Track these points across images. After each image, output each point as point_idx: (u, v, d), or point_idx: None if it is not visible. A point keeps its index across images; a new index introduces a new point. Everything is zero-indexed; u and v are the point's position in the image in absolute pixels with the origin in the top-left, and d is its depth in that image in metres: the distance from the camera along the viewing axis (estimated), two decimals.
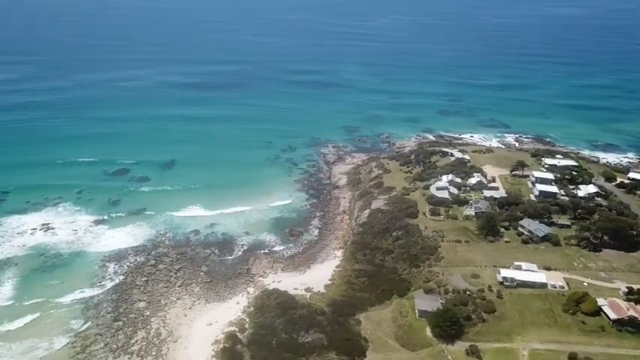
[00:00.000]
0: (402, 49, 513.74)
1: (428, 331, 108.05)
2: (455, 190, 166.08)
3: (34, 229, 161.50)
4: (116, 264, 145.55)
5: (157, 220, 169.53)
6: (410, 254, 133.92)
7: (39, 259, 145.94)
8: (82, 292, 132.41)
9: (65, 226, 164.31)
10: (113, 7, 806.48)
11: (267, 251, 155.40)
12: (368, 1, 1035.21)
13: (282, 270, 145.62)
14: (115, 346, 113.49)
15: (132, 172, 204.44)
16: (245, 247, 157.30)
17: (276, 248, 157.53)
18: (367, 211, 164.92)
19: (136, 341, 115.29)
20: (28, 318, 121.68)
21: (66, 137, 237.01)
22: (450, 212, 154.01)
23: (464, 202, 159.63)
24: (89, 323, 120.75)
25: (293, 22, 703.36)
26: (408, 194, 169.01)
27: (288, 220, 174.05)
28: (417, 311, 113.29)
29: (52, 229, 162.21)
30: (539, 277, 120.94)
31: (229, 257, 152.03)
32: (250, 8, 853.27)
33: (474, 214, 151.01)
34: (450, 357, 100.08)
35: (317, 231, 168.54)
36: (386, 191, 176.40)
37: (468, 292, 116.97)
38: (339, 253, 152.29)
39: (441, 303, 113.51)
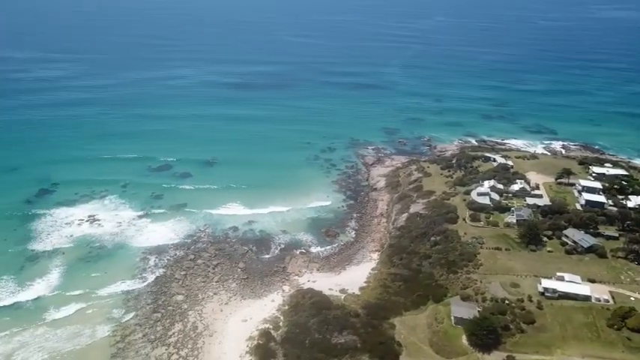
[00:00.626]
0: (447, 52, 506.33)
1: (464, 339, 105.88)
2: (496, 197, 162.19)
3: (82, 220, 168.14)
4: (157, 257, 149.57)
5: (197, 216, 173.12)
6: (448, 260, 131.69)
7: (85, 250, 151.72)
8: (123, 283, 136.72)
9: (110, 218, 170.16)
10: (157, 7, 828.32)
11: (303, 250, 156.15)
12: (414, 3, 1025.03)
13: (318, 270, 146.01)
14: (153, 337, 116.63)
15: (174, 169, 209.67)
16: (282, 246, 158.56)
17: (312, 248, 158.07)
18: (405, 215, 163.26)
19: (173, 333, 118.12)
20: (73, 306, 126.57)
21: (112, 134, 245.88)
22: (491, 219, 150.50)
23: (505, 209, 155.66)
24: (129, 314, 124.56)
25: (336, 23, 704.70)
26: (448, 199, 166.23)
27: (325, 221, 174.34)
28: (452, 318, 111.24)
29: (98, 220, 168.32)
30: (583, 289, 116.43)
31: (266, 255, 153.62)
32: (294, 9, 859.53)
33: (515, 221, 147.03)
34: None
35: (353, 233, 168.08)
36: (425, 195, 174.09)
37: (506, 302, 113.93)
38: (375, 255, 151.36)
39: (478, 311, 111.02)
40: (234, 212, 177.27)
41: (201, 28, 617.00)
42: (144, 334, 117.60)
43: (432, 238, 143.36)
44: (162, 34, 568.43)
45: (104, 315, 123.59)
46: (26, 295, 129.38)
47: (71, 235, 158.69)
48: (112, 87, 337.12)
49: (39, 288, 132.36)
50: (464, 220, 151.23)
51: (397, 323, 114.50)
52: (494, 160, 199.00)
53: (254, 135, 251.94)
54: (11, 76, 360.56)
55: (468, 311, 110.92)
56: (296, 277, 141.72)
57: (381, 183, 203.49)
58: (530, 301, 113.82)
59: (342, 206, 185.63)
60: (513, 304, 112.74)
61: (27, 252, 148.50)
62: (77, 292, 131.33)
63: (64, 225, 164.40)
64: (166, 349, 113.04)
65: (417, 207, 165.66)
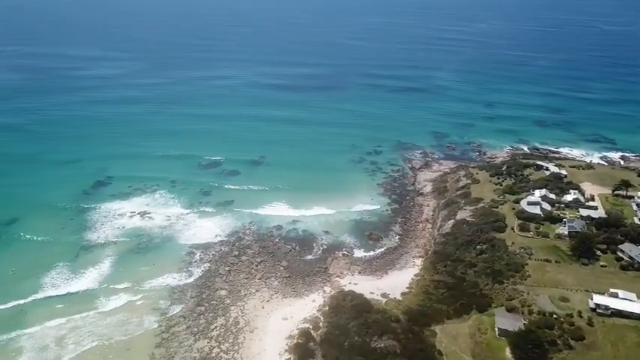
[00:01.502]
0: (500, 57, 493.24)
1: (507, 352, 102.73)
2: (548, 207, 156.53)
3: (133, 212, 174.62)
4: (202, 252, 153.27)
5: (242, 213, 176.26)
6: (494, 269, 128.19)
7: (134, 241, 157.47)
8: (170, 275, 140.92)
9: (160, 212, 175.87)
10: (207, 9, 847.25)
11: (345, 252, 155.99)
12: (468, 6, 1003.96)
13: (360, 273, 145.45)
14: (195, 330, 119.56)
15: (222, 167, 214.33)
16: (324, 247, 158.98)
17: (355, 250, 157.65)
18: (451, 221, 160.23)
19: (215, 327, 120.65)
20: (122, 295, 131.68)
21: (163, 131, 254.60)
22: (541, 229, 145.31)
23: (557, 220, 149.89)
24: (174, 306, 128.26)
25: (387, 26, 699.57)
26: (497, 207, 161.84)
27: (368, 224, 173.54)
28: (496, 329, 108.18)
29: (148, 214, 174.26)
30: (639, 307, 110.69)
31: (309, 255, 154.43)
32: (344, 11, 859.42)
33: (567, 233, 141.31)
34: None
35: (397, 237, 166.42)
36: (473, 202, 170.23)
37: (554, 316, 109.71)
38: (418, 261, 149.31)
39: (524, 324, 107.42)
40: (278, 211, 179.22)
41: (251, 30, 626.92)
42: (187, 326, 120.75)
43: (478, 247, 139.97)
44: (212, 35, 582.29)
45: (151, 305, 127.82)
46: (79, 282, 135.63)
47: (123, 227, 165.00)
48: (163, 85, 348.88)
49: (91, 277, 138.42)
50: (512, 229, 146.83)
51: (439, 331, 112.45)
52: (547, 169, 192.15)
53: (300, 137, 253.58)
54: (71, 74, 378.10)
55: (513, 323, 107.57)
56: (337, 279, 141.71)
57: (428, 188, 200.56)
58: (581, 316, 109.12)
59: (387, 210, 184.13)
60: (562, 319, 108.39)
61: (81, 241, 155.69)
62: (126, 283, 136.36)
63: (116, 217, 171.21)
64: (208, 342, 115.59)
65: (464, 214, 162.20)
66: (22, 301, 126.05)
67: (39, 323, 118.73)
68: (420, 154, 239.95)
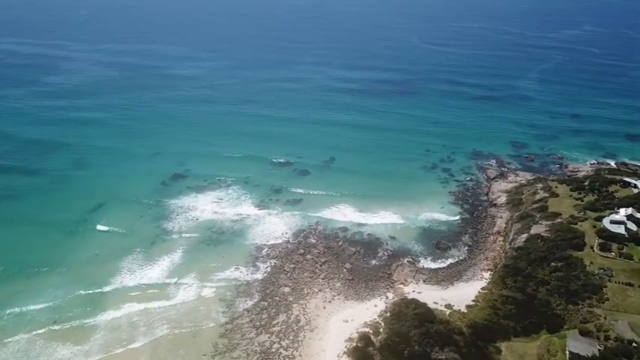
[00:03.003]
0: (590, 66, 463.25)
1: None
2: (634, 227, 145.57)
3: (206, 206, 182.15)
4: (269, 248, 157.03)
5: (310, 214, 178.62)
6: (568, 289, 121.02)
7: (206, 233, 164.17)
8: (237, 269, 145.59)
9: (231, 207, 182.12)
10: (292, 10, 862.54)
11: (411, 260, 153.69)
12: (560, 11, 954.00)
13: (424, 282, 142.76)
14: (258, 324, 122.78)
15: (293, 168, 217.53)
16: (389, 252, 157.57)
17: (421, 259, 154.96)
18: (525, 236, 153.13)
19: (277, 323, 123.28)
20: (192, 284, 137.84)
21: (239, 131, 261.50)
22: (625, 250, 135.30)
23: None
24: (239, 298, 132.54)
25: (472, 31, 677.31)
26: (576, 223, 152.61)
27: (436, 232, 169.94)
28: (568, 352, 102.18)
29: (221, 208, 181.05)
30: None
31: (373, 259, 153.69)
32: (431, 16, 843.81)
33: None
34: None
35: (466, 248, 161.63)
36: (550, 217, 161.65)
37: (634, 344, 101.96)
38: (486, 275, 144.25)
39: (599, 349, 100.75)
40: (345, 214, 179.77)
41: (333, 33, 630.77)
42: (250, 319, 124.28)
43: (553, 264, 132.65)
44: (294, 36, 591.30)
45: (217, 297, 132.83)
46: (153, 270, 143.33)
47: (196, 219, 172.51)
48: (241, 85, 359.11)
49: (164, 265, 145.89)
50: (591, 248, 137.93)
51: (504, 348, 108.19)
52: (636, 186, 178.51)
53: (372, 142, 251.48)
54: (158, 72, 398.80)
55: (586, 348, 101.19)
56: (401, 286, 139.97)
57: (502, 199, 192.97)
58: None
59: (457, 219, 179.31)
60: None
61: (158, 230, 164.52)
62: (196, 273, 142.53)
63: (191, 209, 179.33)
64: (269, 337, 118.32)
65: (539, 228, 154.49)
66: (100, 284, 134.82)
67: (114, 307, 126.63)
68: (496, 163, 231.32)
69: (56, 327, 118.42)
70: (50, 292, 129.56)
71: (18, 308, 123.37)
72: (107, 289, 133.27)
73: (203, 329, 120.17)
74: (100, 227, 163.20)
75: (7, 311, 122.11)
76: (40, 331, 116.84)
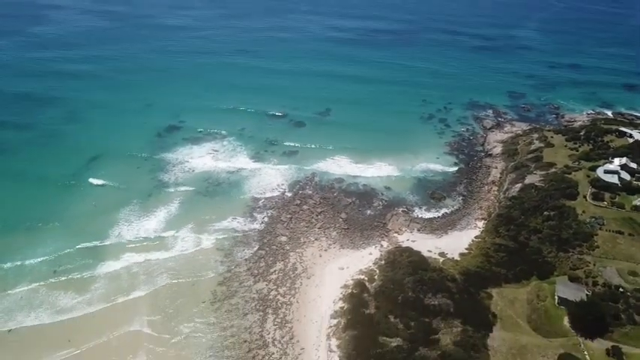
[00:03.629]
0: (592, 14, 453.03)
1: (565, 321, 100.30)
2: (627, 176, 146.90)
3: (202, 156, 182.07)
4: (266, 199, 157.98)
5: (305, 165, 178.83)
6: (560, 237, 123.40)
7: (203, 184, 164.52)
8: (235, 219, 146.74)
9: (227, 158, 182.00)
10: None
11: (405, 209, 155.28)
12: None
13: (419, 231, 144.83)
14: (256, 272, 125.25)
15: (289, 120, 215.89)
16: (385, 202, 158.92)
17: (416, 208, 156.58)
18: (519, 185, 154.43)
19: (274, 271, 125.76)
20: (189, 234, 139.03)
21: (233, 83, 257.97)
22: (617, 200, 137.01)
23: (636, 191, 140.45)
24: (237, 247, 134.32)
25: None
26: (570, 173, 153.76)
27: (431, 182, 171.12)
28: (557, 298, 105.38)
29: (217, 159, 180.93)
30: None
31: (368, 209, 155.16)
32: None
33: None
34: (586, 352, 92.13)
35: (460, 198, 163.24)
36: (544, 167, 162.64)
37: (620, 289, 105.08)
38: (480, 224, 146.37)
39: (587, 295, 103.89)
40: (341, 165, 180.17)
41: None
42: (248, 267, 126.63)
43: (546, 213, 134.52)
44: None
45: (215, 246, 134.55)
46: (150, 221, 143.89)
47: (192, 170, 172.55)
48: (234, 36, 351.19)
49: (161, 216, 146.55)
50: (584, 197, 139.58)
51: (495, 294, 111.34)
52: (631, 136, 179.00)
53: (368, 94, 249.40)
54: (148, 22, 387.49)
55: (574, 293, 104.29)
56: (396, 235, 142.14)
57: (497, 149, 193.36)
58: None
59: (452, 169, 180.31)
60: (629, 293, 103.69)
61: (154, 181, 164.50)
62: (193, 224, 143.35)
63: (187, 160, 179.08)
64: (267, 285, 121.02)
65: (534, 178, 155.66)
66: (99, 236, 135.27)
67: (113, 258, 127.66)
68: (493, 113, 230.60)
69: (57, 278, 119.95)
70: (49, 245, 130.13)
71: (18, 261, 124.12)
72: (106, 240, 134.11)
73: (202, 278, 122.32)
74: (95, 180, 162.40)
75: (7, 264, 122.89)
76: (41, 282, 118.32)
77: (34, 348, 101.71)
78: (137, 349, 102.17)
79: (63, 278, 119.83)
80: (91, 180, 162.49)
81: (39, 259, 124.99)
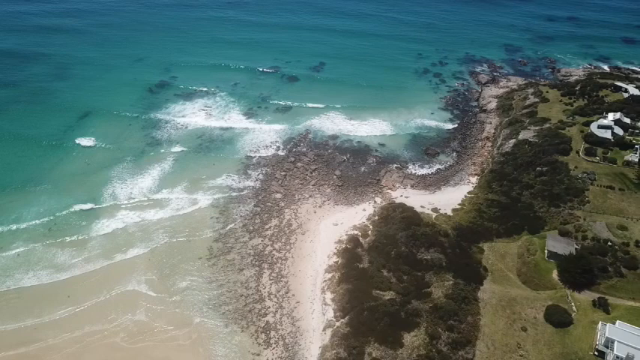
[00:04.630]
0: None
1: (554, 274, 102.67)
2: (620, 131, 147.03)
3: (194, 113, 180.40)
4: (260, 156, 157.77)
5: (299, 122, 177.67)
6: (552, 192, 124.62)
7: (196, 141, 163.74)
8: (229, 176, 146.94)
9: (220, 114, 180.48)
10: None
11: (399, 166, 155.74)
12: None
13: (412, 187, 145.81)
14: (251, 228, 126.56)
15: (281, 76, 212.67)
16: (378, 159, 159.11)
17: (410, 165, 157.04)
18: (513, 141, 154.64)
19: (270, 227, 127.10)
20: (183, 192, 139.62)
21: (224, 38, 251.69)
22: (609, 155, 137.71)
23: (628, 146, 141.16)
24: (232, 204, 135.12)
25: None
26: (564, 128, 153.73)
27: (426, 139, 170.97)
28: (546, 251, 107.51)
29: (210, 115, 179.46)
30: None
31: (362, 166, 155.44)
32: None
33: (637, 160, 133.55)
34: (573, 304, 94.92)
35: (455, 154, 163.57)
36: (538, 122, 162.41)
37: (609, 243, 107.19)
38: (473, 179, 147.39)
39: (576, 248, 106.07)
40: (335, 122, 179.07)
41: None
42: (244, 224, 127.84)
43: (538, 168, 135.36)
44: None
45: (211, 203, 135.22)
46: (144, 179, 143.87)
47: (185, 127, 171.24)
48: None
49: (155, 174, 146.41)
50: (577, 153, 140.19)
51: (486, 249, 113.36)
52: (626, 91, 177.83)
53: (362, 48, 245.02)
54: None
55: (564, 247, 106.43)
56: (389, 191, 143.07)
57: (492, 104, 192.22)
58: (638, 246, 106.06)
59: (447, 125, 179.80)
60: (617, 247, 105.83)
61: (147, 138, 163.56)
62: (188, 181, 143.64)
63: (179, 116, 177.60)
64: (262, 241, 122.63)
65: (527, 134, 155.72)
66: (93, 195, 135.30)
67: (108, 217, 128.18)
68: (489, 67, 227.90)
69: (53, 238, 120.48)
70: (43, 205, 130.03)
71: (12, 222, 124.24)
72: (100, 200, 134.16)
73: (198, 236, 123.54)
74: (86, 139, 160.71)
75: (1, 224, 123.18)
76: (37, 241, 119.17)
77: (35, 305, 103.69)
78: (136, 307, 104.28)
79: (59, 239, 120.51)
80: (81, 138, 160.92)
81: (33, 220, 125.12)
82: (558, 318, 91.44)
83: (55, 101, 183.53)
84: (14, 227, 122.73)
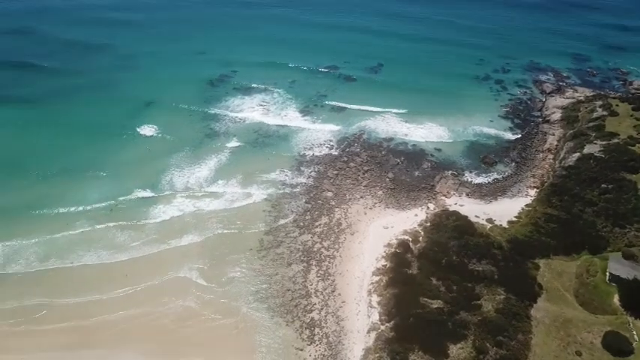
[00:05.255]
0: None
1: (615, 299, 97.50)
2: None
3: (252, 107, 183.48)
4: (314, 154, 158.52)
5: (354, 122, 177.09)
6: (617, 212, 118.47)
7: (252, 135, 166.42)
8: (282, 172, 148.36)
9: (277, 110, 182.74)
10: None
11: (455, 173, 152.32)
12: None
13: (467, 195, 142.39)
14: (301, 224, 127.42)
15: (338, 77, 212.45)
16: (434, 164, 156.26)
17: (466, 172, 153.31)
18: (577, 155, 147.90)
19: (319, 225, 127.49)
20: (238, 183, 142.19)
21: (283, 37, 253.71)
22: None
23: None
24: (284, 199, 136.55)
25: None
26: (633, 145, 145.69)
27: (483, 147, 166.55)
28: (608, 274, 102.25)
29: (267, 111, 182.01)
30: None
31: (416, 170, 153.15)
32: None
33: None
34: (635, 332, 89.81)
35: (513, 164, 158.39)
36: (606, 136, 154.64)
37: None
38: (532, 192, 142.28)
39: None
40: (390, 124, 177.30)
41: None
42: (294, 219, 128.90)
43: (603, 185, 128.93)
44: None
45: (263, 196, 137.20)
46: (201, 169, 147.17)
47: (243, 121, 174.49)
48: None
49: (212, 164, 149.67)
50: None
51: (542, 265, 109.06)
52: None
53: (423, 52, 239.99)
54: None
55: (628, 271, 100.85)
56: (443, 198, 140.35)
57: (556, 115, 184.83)
58: None
59: (506, 134, 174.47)
60: None
61: (206, 129, 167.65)
62: (243, 173, 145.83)
63: (237, 110, 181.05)
64: (311, 237, 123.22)
65: (593, 148, 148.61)
66: (152, 183, 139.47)
67: (166, 205, 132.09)
68: (555, 76, 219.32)
69: (114, 219, 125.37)
70: (106, 188, 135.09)
71: (78, 202, 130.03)
72: (158, 187, 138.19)
73: (250, 227, 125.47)
74: (147, 127, 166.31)
75: (64, 208, 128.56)
76: (99, 222, 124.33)
77: (95, 282, 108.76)
78: (186, 294, 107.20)
79: (119, 221, 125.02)
80: (143, 127, 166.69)
81: (97, 203, 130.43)
82: (618, 345, 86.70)
83: (119, 91, 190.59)
84: (80, 208, 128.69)
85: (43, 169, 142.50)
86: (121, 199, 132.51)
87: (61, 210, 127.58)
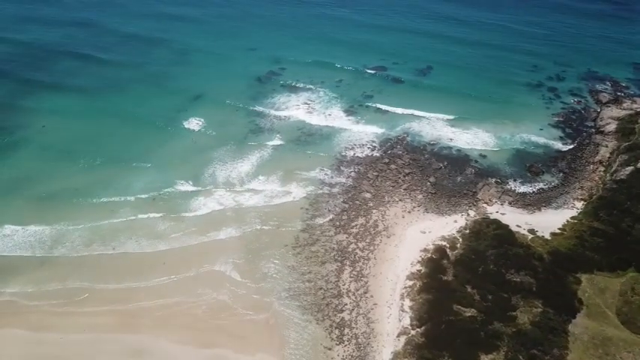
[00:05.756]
0: None
1: None
2: None
3: (297, 105, 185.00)
4: (354, 154, 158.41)
5: (398, 124, 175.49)
6: None
7: (296, 133, 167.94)
8: (322, 170, 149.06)
9: (322, 109, 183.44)
10: None
11: (498, 180, 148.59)
12: None
13: (510, 204, 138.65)
14: (338, 224, 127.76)
15: (386, 78, 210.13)
16: (477, 171, 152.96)
17: (510, 180, 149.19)
18: (630, 169, 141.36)
19: (356, 225, 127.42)
20: (278, 180, 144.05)
21: (333, 36, 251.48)
22: None
23: None
24: (323, 197, 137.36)
25: None
26: None
27: (531, 155, 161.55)
28: None
29: (312, 109, 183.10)
30: None
31: (458, 176, 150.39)
32: None
33: None
34: None
35: (561, 174, 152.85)
36: None
37: None
38: (579, 204, 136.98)
39: None
40: (435, 127, 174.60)
41: None
42: (331, 219, 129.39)
43: None
44: None
45: (302, 194, 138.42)
46: (243, 164, 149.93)
47: (288, 118, 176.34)
48: None
49: (254, 159, 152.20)
50: None
51: (584, 280, 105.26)
52: None
53: (474, 56, 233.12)
54: None
55: None
56: (484, 205, 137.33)
57: (611, 126, 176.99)
58: None
59: (556, 143, 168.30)
60: None
61: (251, 125, 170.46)
62: (283, 170, 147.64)
63: (282, 107, 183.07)
64: (347, 237, 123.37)
65: None
66: (194, 175, 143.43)
67: (206, 198, 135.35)
68: (612, 86, 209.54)
69: (157, 210, 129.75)
70: (151, 178, 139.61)
71: (123, 191, 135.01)
72: (201, 179, 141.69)
73: (286, 224, 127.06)
74: (195, 119, 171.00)
75: (109, 197, 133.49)
76: (143, 211, 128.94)
77: (135, 269, 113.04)
78: (220, 287, 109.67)
79: (162, 212, 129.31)
80: (190, 120, 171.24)
81: (141, 193, 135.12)
82: None
83: (169, 85, 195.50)
84: (124, 197, 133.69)
85: (92, 157, 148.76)
86: (164, 190, 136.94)
87: (106, 198, 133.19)
